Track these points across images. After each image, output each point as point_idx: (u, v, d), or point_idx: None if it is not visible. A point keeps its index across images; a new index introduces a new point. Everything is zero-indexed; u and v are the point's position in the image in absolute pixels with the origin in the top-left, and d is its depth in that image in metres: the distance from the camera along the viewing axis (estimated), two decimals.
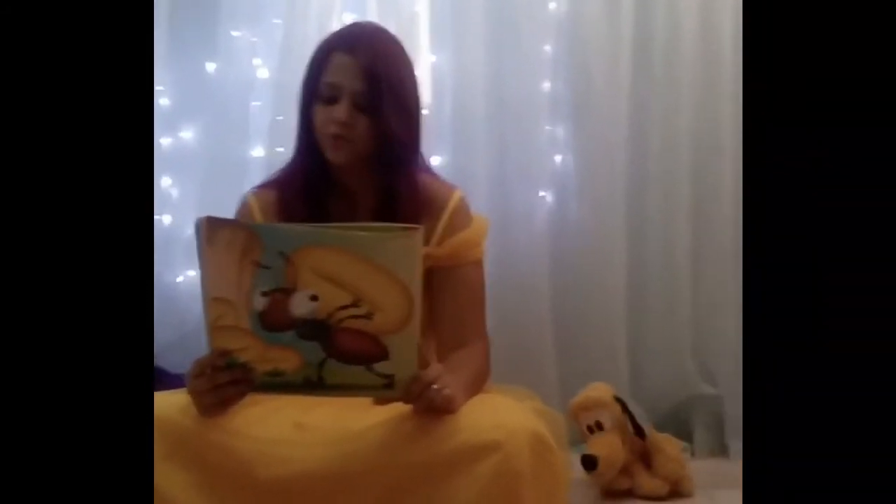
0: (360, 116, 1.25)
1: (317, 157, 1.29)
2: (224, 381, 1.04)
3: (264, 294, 0.98)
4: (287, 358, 1.02)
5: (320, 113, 1.26)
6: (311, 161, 1.30)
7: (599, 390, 1.64)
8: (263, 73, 1.96)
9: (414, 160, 1.34)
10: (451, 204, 1.35)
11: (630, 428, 1.60)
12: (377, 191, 1.32)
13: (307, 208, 1.29)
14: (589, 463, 1.54)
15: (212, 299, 0.99)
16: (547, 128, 1.99)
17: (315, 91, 1.27)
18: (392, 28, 1.84)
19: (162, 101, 1.96)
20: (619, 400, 1.62)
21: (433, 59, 1.94)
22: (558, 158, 2.03)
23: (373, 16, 1.91)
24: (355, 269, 0.97)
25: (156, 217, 1.94)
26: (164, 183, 1.98)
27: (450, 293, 1.31)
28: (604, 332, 1.97)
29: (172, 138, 2.01)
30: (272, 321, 0.99)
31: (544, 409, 1.37)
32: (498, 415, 1.10)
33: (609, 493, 1.61)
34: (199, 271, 1.01)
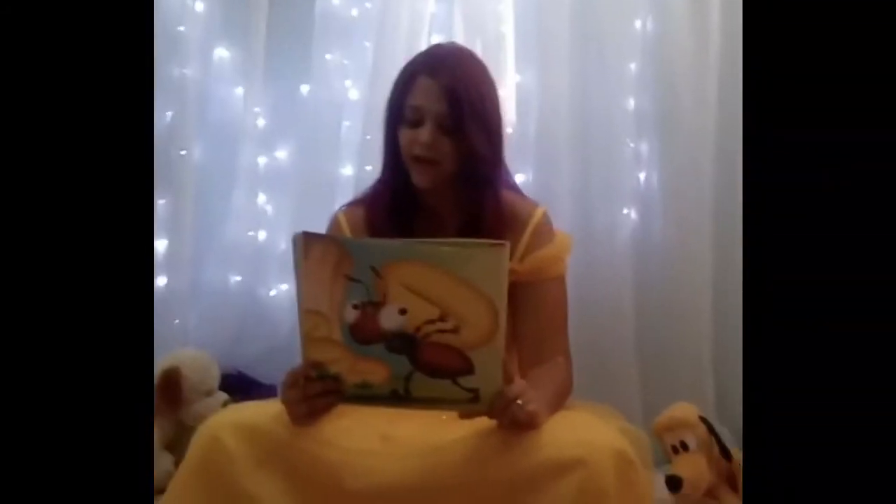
0: (444, 138, 1.28)
1: (402, 176, 1.33)
2: (316, 392, 1.08)
3: (355, 307, 1.01)
4: (376, 370, 1.05)
5: (405, 135, 1.30)
6: (397, 180, 1.34)
7: (684, 410, 1.62)
8: (354, 94, 2.02)
9: (497, 178, 1.36)
10: (534, 220, 1.36)
11: (716, 449, 1.57)
12: (461, 209, 1.34)
13: (393, 226, 1.32)
14: (673, 483, 1.52)
15: (306, 311, 1.03)
16: (631, 145, 1.97)
17: (400, 114, 1.31)
18: (478, 48, 1.89)
19: (259, 121, 2.04)
20: (704, 420, 1.59)
21: (518, 78, 1.96)
22: (642, 176, 2.01)
23: (459, 36, 1.94)
24: (443, 283, 0.99)
25: (251, 233, 2.02)
26: (259, 200, 2.05)
27: (532, 309, 1.32)
28: (689, 351, 1.93)
29: (268, 157, 2.09)
30: (362, 333, 1.02)
31: (628, 428, 1.36)
32: (582, 432, 1.10)
33: None
34: (293, 285, 1.05)
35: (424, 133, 1.27)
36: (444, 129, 1.27)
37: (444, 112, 1.27)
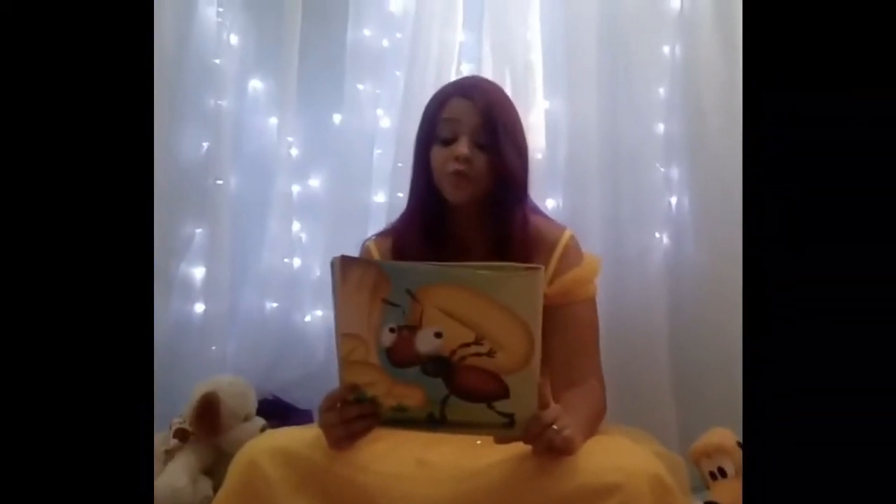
0: (479, 154, 1.30)
1: (433, 199, 1.35)
2: (353, 415, 1.09)
3: (392, 330, 1.02)
4: (412, 394, 1.06)
5: (440, 153, 1.32)
6: (428, 204, 1.36)
7: (721, 436, 1.60)
8: (385, 122, 2.04)
9: (525, 200, 1.38)
10: (562, 243, 1.38)
11: None
12: (489, 232, 1.35)
13: (422, 252, 1.33)
14: None
15: (343, 335, 1.04)
16: (661, 169, 1.97)
17: (433, 132, 1.33)
18: (507, 76, 1.92)
19: (292, 150, 2.07)
20: (742, 446, 1.58)
21: (547, 105, 1.98)
22: (674, 200, 2.01)
23: (488, 65, 1.97)
24: (478, 307, 1.00)
25: (286, 260, 2.04)
26: (294, 227, 2.08)
27: (563, 332, 1.33)
28: (724, 376, 1.90)
29: (301, 186, 2.12)
30: (399, 357, 1.04)
31: (664, 452, 1.35)
32: (618, 456, 1.11)
33: None
34: (327, 311, 1.07)
35: (461, 146, 1.29)
36: (479, 145, 1.30)
37: (479, 127, 1.30)
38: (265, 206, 2.04)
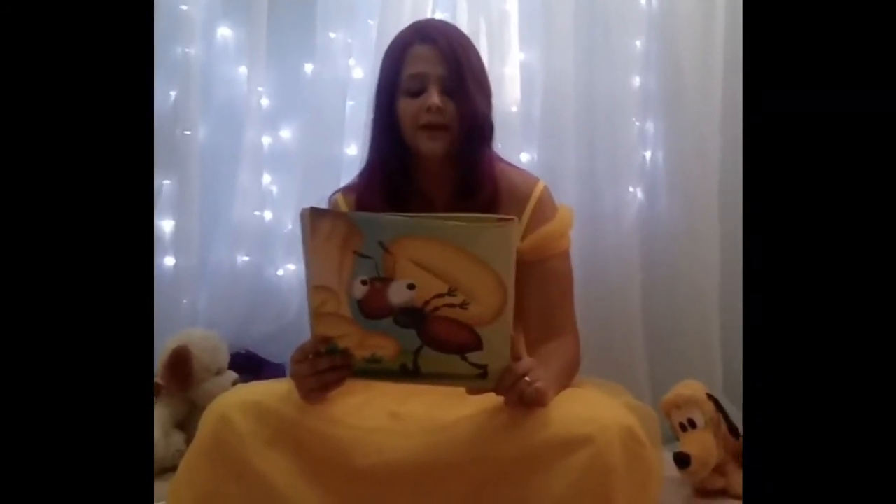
0: (449, 101, 1.27)
1: (397, 153, 1.31)
2: (325, 367, 1.08)
3: (364, 282, 1.01)
4: (384, 345, 1.05)
5: (409, 105, 1.28)
6: (392, 157, 1.32)
7: (692, 388, 1.62)
8: (358, 73, 2.01)
9: (491, 151, 1.36)
10: (535, 194, 1.35)
11: (724, 426, 1.58)
12: (455, 184, 1.33)
13: (387, 207, 1.30)
14: (682, 461, 1.53)
15: (314, 287, 1.03)
16: (637, 123, 1.97)
17: (397, 85, 1.29)
18: (482, 26, 1.89)
19: (263, 101, 2.03)
20: (712, 398, 1.59)
21: (522, 56, 1.95)
22: (648, 154, 2.00)
23: (462, 14, 1.93)
24: (451, 258, 0.99)
25: (257, 213, 2.01)
26: (265, 180, 2.05)
27: (537, 286, 1.32)
28: (696, 329, 1.93)
29: (272, 138, 2.08)
30: (371, 309, 1.03)
31: (636, 405, 1.36)
32: (590, 409, 1.11)
33: (702, 491, 1.59)
34: (299, 264, 1.05)
35: (433, 96, 1.26)
36: (447, 92, 1.27)
37: (445, 75, 1.27)
38: (235, 158, 2.01)
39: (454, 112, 1.27)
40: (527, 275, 1.30)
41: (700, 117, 1.93)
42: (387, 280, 1.01)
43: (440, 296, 1.01)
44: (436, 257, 0.99)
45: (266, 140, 2.06)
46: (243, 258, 2.01)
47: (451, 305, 1.01)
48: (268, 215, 2.04)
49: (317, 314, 1.05)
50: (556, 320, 1.34)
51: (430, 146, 1.28)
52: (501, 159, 1.40)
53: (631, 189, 1.96)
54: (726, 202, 1.94)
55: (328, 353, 1.08)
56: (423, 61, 1.28)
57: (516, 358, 1.07)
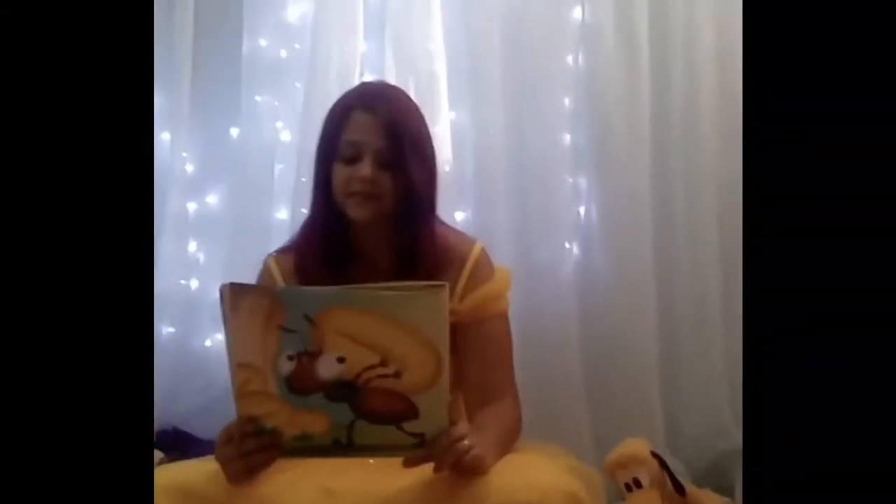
0: (383, 173, 1.25)
1: (335, 216, 1.29)
2: (252, 448, 1.03)
3: (290, 358, 0.97)
4: (315, 421, 1.01)
5: (341, 172, 1.26)
6: (330, 220, 1.30)
7: (635, 446, 1.60)
8: (286, 136, 1.99)
9: (433, 216, 1.34)
10: (472, 256, 1.34)
11: (669, 484, 1.56)
12: (396, 249, 1.31)
13: (326, 269, 1.28)
14: None
15: (238, 365, 0.99)
16: (569, 180, 1.98)
17: (335, 150, 1.27)
18: (410, 86, 1.89)
19: (187, 167, 1.99)
20: (656, 455, 1.58)
21: (452, 115, 1.96)
22: (582, 210, 2.02)
23: (391, 75, 1.93)
24: (381, 328, 0.96)
25: (183, 282, 1.96)
26: (190, 248, 2.00)
27: (475, 349, 1.30)
28: (637, 384, 1.93)
29: (198, 203, 2.04)
30: (299, 385, 0.99)
31: (580, 466, 1.33)
32: (531, 474, 1.08)
33: None
34: (225, 337, 1.01)
35: (364, 168, 1.24)
36: (383, 165, 1.25)
37: (383, 147, 1.25)
38: (159, 226, 1.96)
39: (389, 184, 1.26)
40: (464, 337, 1.28)
41: (629, 172, 1.96)
42: (315, 354, 0.97)
43: (372, 367, 0.98)
44: (365, 328, 0.96)
45: (191, 206, 2.02)
46: (168, 329, 1.95)
47: (384, 376, 0.98)
48: (194, 284, 1.99)
49: (241, 394, 1.00)
50: (495, 383, 1.31)
51: (356, 213, 1.26)
52: (441, 222, 1.39)
53: (566, 245, 1.97)
54: (660, 254, 1.96)
55: (255, 433, 1.03)
56: (361, 130, 1.26)
57: (453, 423, 1.05)
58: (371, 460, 1.12)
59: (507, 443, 1.22)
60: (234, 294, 0.97)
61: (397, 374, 0.98)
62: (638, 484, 1.55)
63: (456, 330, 1.27)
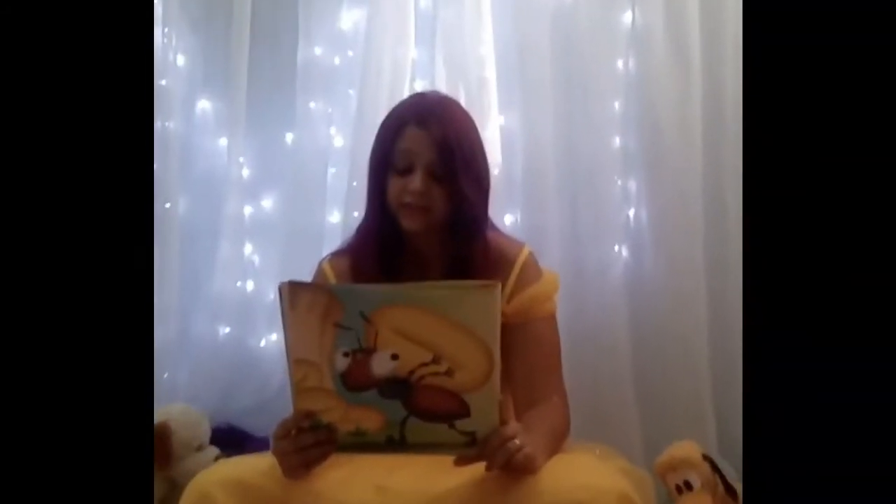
0: (435, 185, 1.27)
1: (389, 222, 1.31)
2: (309, 443, 1.06)
3: (346, 354, 0.99)
4: (369, 417, 1.03)
5: (395, 183, 1.29)
6: (384, 226, 1.32)
7: (686, 449, 1.59)
8: (339, 141, 2.02)
9: (485, 223, 1.36)
10: (520, 259, 1.35)
11: (721, 487, 1.54)
12: (448, 254, 1.33)
13: (380, 271, 1.31)
14: None
15: (295, 361, 1.01)
16: (619, 182, 1.97)
17: (389, 160, 1.30)
18: (460, 92, 1.90)
19: (244, 171, 2.04)
20: (707, 458, 1.56)
21: (502, 120, 1.96)
22: (632, 212, 2.00)
23: (441, 81, 1.95)
24: (434, 326, 0.98)
25: (239, 284, 2.00)
26: (246, 250, 2.04)
27: (523, 350, 1.31)
28: (688, 387, 1.90)
29: (253, 207, 2.08)
30: (354, 381, 1.01)
31: (630, 468, 1.34)
32: (582, 475, 1.08)
33: None
34: (281, 334, 1.03)
35: (416, 181, 1.26)
36: (434, 177, 1.27)
37: (434, 160, 1.27)
38: (216, 229, 2.01)
39: (440, 196, 1.27)
40: (512, 338, 1.29)
41: (681, 174, 1.93)
42: (369, 351, 0.99)
43: (425, 364, 0.99)
44: (418, 326, 0.98)
45: (247, 210, 2.06)
46: (225, 330, 1.99)
47: (437, 374, 0.99)
48: (249, 286, 2.03)
49: (299, 389, 1.03)
50: (543, 385, 1.32)
51: (408, 223, 1.29)
52: (492, 227, 1.40)
53: (616, 247, 1.96)
54: (711, 257, 1.94)
55: (311, 428, 1.05)
56: (415, 143, 1.28)
57: (503, 422, 1.05)
58: (423, 458, 1.13)
59: (557, 443, 1.22)
60: (292, 292, 0.99)
61: (449, 372, 0.99)
62: (689, 486, 1.54)
63: (504, 331, 1.26)
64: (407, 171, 1.27)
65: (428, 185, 1.26)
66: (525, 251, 1.37)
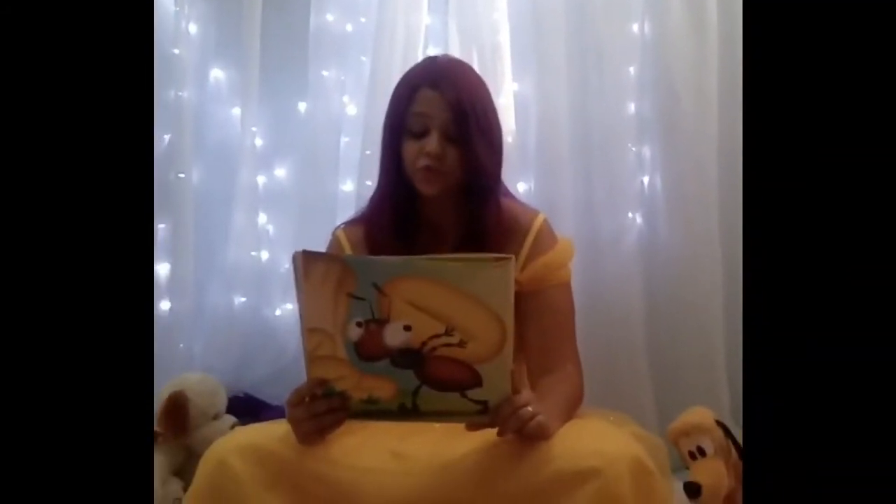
0: (450, 148, 1.27)
1: (404, 189, 1.31)
2: (322, 410, 1.07)
3: (359, 324, 1.00)
4: (382, 386, 1.04)
5: (410, 146, 1.28)
6: (399, 193, 1.32)
7: (699, 414, 1.58)
8: (352, 109, 2.01)
9: (498, 188, 1.35)
10: (535, 227, 1.35)
11: (734, 453, 1.54)
12: (462, 220, 1.33)
13: (394, 240, 1.31)
14: (692, 490, 1.49)
15: (309, 330, 1.02)
16: (633, 149, 1.95)
17: (403, 125, 1.29)
18: (474, 58, 1.89)
19: (257, 141, 2.03)
20: (720, 424, 1.56)
21: (516, 86, 1.95)
22: (646, 180, 1.99)
23: (455, 47, 1.93)
24: (447, 298, 0.98)
25: (254, 253, 2.00)
26: (260, 220, 2.04)
27: (537, 317, 1.31)
28: (702, 354, 1.91)
29: (267, 177, 2.08)
30: (367, 351, 1.01)
31: (643, 434, 1.34)
32: (596, 440, 1.09)
33: None
34: (296, 304, 1.04)
35: (432, 143, 1.26)
36: (449, 139, 1.27)
37: (449, 122, 1.26)
38: (230, 199, 2.01)
39: (455, 158, 1.27)
40: (526, 306, 1.29)
41: (696, 140, 1.92)
42: (382, 322, 1.00)
43: (437, 336, 0.99)
44: (432, 297, 0.98)
45: (261, 180, 2.06)
46: (240, 300, 2.00)
47: (449, 345, 1.00)
48: (264, 255, 2.04)
49: (312, 357, 1.03)
50: (557, 351, 1.32)
51: (425, 187, 1.29)
52: (507, 192, 1.40)
53: (630, 215, 1.95)
54: (726, 225, 1.92)
55: (325, 395, 1.06)
56: (429, 105, 1.27)
57: (516, 391, 1.06)
58: (436, 425, 1.15)
59: (570, 410, 1.23)
60: (306, 261, 0.99)
61: (462, 344, 1.00)
62: (702, 452, 1.54)
63: (518, 299, 1.26)
64: (422, 134, 1.27)
65: (443, 147, 1.26)
66: (540, 218, 1.37)
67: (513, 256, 1.00)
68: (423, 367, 1.02)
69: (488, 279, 0.98)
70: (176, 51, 1.96)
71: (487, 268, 0.98)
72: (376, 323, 1.00)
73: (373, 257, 1.18)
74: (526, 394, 1.07)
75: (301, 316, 1.02)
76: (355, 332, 1.00)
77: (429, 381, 1.02)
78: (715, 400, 1.84)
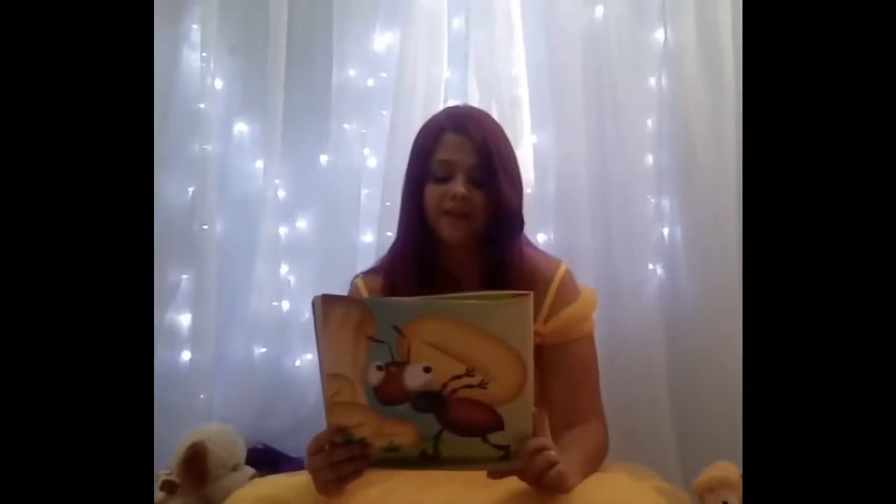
0: (476, 191, 1.28)
1: (425, 237, 1.32)
2: (342, 458, 1.05)
3: (379, 368, 1.00)
4: (403, 432, 1.03)
5: (434, 191, 1.29)
6: (420, 242, 1.32)
7: (725, 469, 1.56)
8: (372, 161, 2.03)
9: (521, 236, 1.36)
10: (558, 277, 1.34)
11: None
12: (483, 270, 1.33)
13: (414, 290, 1.30)
14: None
15: (328, 375, 1.01)
16: (652, 200, 1.96)
17: (427, 170, 1.30)
18: (494, 111, 1.91)
19: (279, 192, 2.06)
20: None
21: (535, 139, 1.97)
22: (666, 231, 1.99)
23: (474, 100, 1.96)
24: (467, 338, 0.98)
25: (275, 304, 2.01)
26: (282, 270, 2.05)
27: (561, 371, 1.30)
28: (724, 407, 1.87)
29: (289, 228, 2.10)
30: (387, 395, 1.01)
31: (667, 488, 1.31)
32: (618, 494, 1.08)
33: None
34: (316, 353, 1.04)
35: (458, 185, 1.27)
36: (474, 183, 1.27)
37: (475, 165, 1.27)
38: (252, 250, 2.02)
39: (481, 202, 1.28)
40: (550, 359, 1.28)
41: (715, 191, 1.92)
42: (402, 364, 0.99)
43: (458, 377, 0.99)
44: (451, 338, 0.98)
45: (283, 231, 2.08)
46: (260, 350, 2.00)
47: (470, 386, 0.99)
48: (285, 305, 2.04)
49: (331, 403, 1.03)
50: (581, 405, 1.31)
51: (451, 232, 1.29)
52: (529, 243, 1.40)
53: (650, 266, 1.94)
54: None
55: (345, 443, 1.05)
56: (453, 149, 1.29)
57: (537, 435, 1.05)
58: (457, 475, 1.12)
59: (593, 465, 1.21)
60: (325, 305, 0.99)
61: (483, 385, 0.99)
62: None
63: (541, 352, 1.27)
64: (446, 179, 1.28)
65: (469, 190, 1.27)
66: (562, 269, 1.37)
67: (531, 293, 0.99)
68: (444, 411, 1.01)
69: (507, 316, 0.98)
70: (201, 105, 2.00)
71: (506, 305, 0.98)
72: (396, 366, 0.99)
73: (392, 298, 1.19)
74: (548, 439, 1.06)
75: (320, 362, 1.02)
76: (376, 376, 1.00)
77: (450, 425, 1.02)
78: (739, 454, 1.80)
